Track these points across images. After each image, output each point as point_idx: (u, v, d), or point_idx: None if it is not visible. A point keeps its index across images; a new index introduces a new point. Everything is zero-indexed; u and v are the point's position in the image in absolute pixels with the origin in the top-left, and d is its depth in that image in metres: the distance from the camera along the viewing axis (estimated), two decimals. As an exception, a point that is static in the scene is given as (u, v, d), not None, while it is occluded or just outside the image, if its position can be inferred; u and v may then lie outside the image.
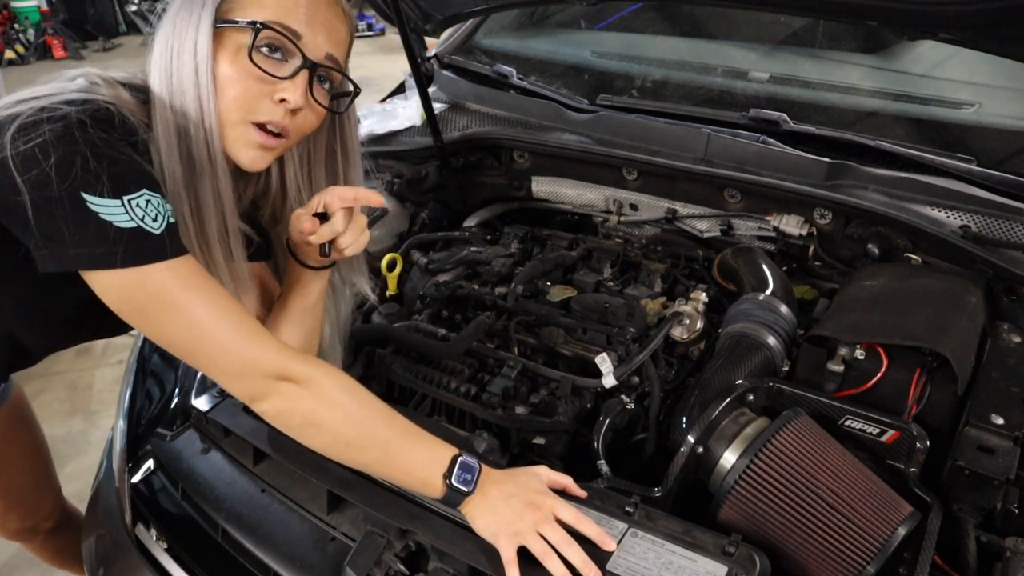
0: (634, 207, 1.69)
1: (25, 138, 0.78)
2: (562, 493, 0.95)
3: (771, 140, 1.50)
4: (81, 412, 2.82)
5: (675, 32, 2.02)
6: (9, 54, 8.22)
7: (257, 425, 1.09)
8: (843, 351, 1.14)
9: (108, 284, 0.83)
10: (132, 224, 0.80)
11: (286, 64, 0.93)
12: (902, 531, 0.89)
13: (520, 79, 1.84)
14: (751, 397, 1.08)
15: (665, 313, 1.33)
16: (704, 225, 1.61)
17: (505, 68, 1.86)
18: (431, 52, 2.03)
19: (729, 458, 1.00)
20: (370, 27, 9.27)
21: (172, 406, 1.36)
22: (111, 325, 0.97)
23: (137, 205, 0.81)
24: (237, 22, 0.90)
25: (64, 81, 0.89)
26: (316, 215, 1.03)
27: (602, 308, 1.35)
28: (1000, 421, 1.01)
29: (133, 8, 9.08)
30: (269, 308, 1.17)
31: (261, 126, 0.94)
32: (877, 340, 1.12)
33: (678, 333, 1.30)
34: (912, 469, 0.99)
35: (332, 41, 0.97)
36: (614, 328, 1.31)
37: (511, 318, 1.37)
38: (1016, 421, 1.01)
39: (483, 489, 0.91)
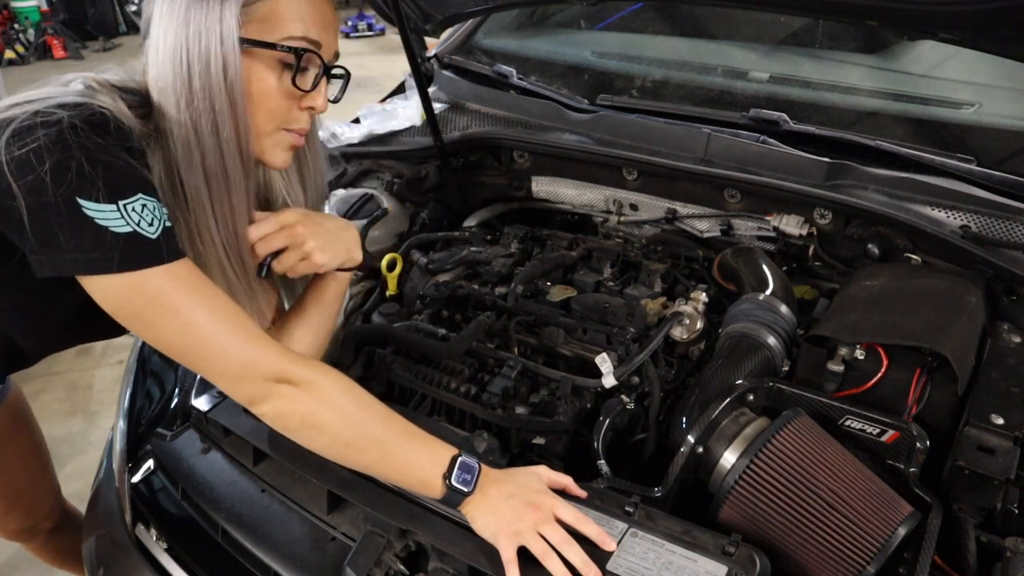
0: (634, 207, 1.69)
1: (20, 143, 0.78)
2: (562, 493, 0.95)
3: (771, 140, 1.50)
4: (81, 412, 2.82)
5: (675, 32, 2.02)
6: (9, 54, 8.22)
7: (257, 425, 1.09)
8: (843, 351, 1.14)
9: (104, 289, 0.83)
10: (128, 229, 0.80)
11: (308, 74, 0.96)
12: (902, 531, 0.89)
13: (520, 79, 1.84)
14: (751, 397, 1.08)
15: (665, 313, 1.33)
16: (704, 225, 1.61)
17: (505, 68, 1.86)
18: (431, 52, 2.03)
19: (729, 458, 1.00)
20: (370, 27, 9.26)
21: (172, 406, 1.36)
22: (107, 329, 0.97)
23: (133, 210, 0.81)
24: (275, 46, 0.91)
25: (60, 85, 0.89)
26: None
27: (602, 308, 1.35)
28: (1000, 421, 1.01)
29: (133, 8, 9.09)
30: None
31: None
32: (877, 340, 1.12)
33: (678, 333, 1.30)
34: (912, 469, 0.99)
35: (336, 37, 0.99)
36: (614, 328, 1.31)
37: (511, 318, 1.37)
38: (1016, 421, 1.01)
39: (483, 489, 0.91)
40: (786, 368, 1.22)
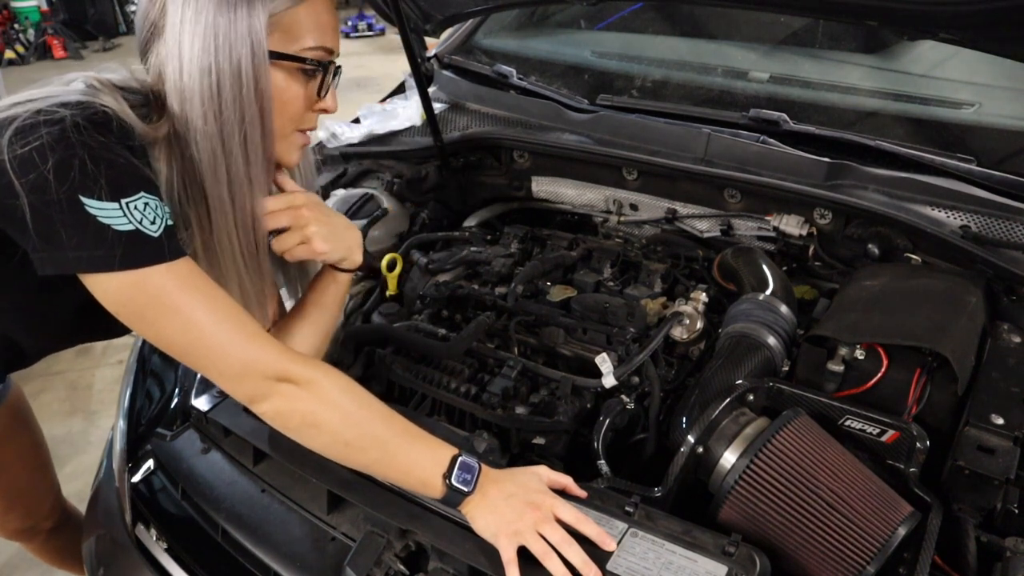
0: (634, 207, 1.69)
1: (22, 141, 0.78)
2: (562, 493, 0.95)
3: (771, 140, 1.50)
4: (81, 412, 2.82)
5: (675, 32, 2.02)
6: (9, 54, 8.22)
7: (257, 425, 1.09)
8: (843, 351, 1.14)
9: (106, 287, 0.83)
10: (130, 227, 0.80)
11: (325, 79, 0.97)
12: (902, 531, 0.89)
13: (520, 79, 1.84)
14: (751, 397, 1.08)
15: (665, 313, 1.33)
16: (704, 225, 1.61)
17: (505, 68, 1.86)
18: (431, 52, 2.03)
19: (729, 458, 1.00)
20: (370, 27, 9.26)
21: (172, 406, 1.36)
22: (109, 327, 0.97)
23: (135, 208, 0.81)
24: (304, 59, 0.92)
25: (61, 85, 0.88)
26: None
27: (602, 308, 1.35)
28: (1000, 421, 1.01)
29: (133, 8, 9.08)
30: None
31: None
32: (877, 340, 1.12)
33: (678, 333, 1.30)
34: (912, 469, 0.99)
35: (339, 38, 0.99)
36: (614, 328, 1.31)
37: (511, 318, 1.37)
38: (1016, 421, 1.01)
39: (483, 489, 0.91)
40: (786, 368, 1.22)
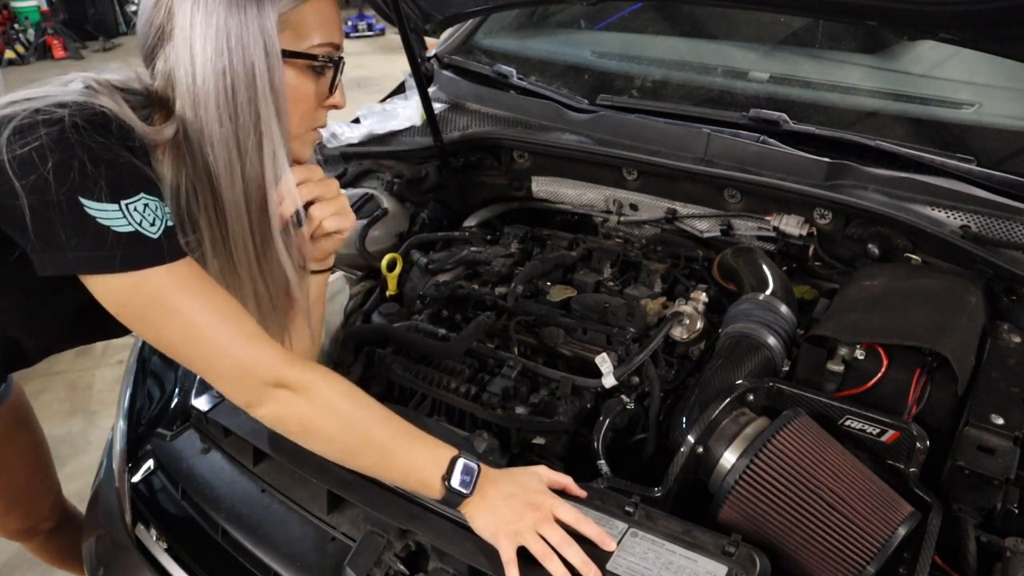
0: (634, 207, 1.69)
1: (21, 141, 0.78)
2: (562, 493, 0.95)
3: (771, 140, 1.50)
4: (81, 412, 2.82)
5: (675, 32, 2.02)
6: (9, 54, 8.22)
7: (257, 425, 1.08)
8: (843, 351, 1.14)
9: (106, 288, 0.83)
10: (130, 228, 0.80)
11: (334, 76, 0.97)
12: (902, 531, 0.89)
13: (520, 79, 1.84)
14: (751, 397, 1.08)
15: (665, 313, 1.33)
16: (704, 225, 1.61)
17: (505, 68, 1.86)
18: (431, 52, 2.03)
19: (729, 458, 1.00)
20: (370, 27, 9.26)
21: (172, 406, 1.36)
22: (108, 328, 0.97)
23: (135, 209, 0.81)
24: (315, 56, 0.92)
25: (59, 85, 0.88)
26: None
27: (602, 308, 1.35)
28: (1000, 421, 1.01)
29: (133, 8, 9.09)
30: None
31: None
32: (877, 340, 1.12)
33: (678, 333, 1.30)
34: (912, 469, 0.99)
35: (343, 33, 0.99)
36: (614, 328, 1.31)
37: (511, 318, 1.37)
38: (1016, 421, 1.01)
39: (482, 489, 0.91)
40: (786, 368, 1.22)
